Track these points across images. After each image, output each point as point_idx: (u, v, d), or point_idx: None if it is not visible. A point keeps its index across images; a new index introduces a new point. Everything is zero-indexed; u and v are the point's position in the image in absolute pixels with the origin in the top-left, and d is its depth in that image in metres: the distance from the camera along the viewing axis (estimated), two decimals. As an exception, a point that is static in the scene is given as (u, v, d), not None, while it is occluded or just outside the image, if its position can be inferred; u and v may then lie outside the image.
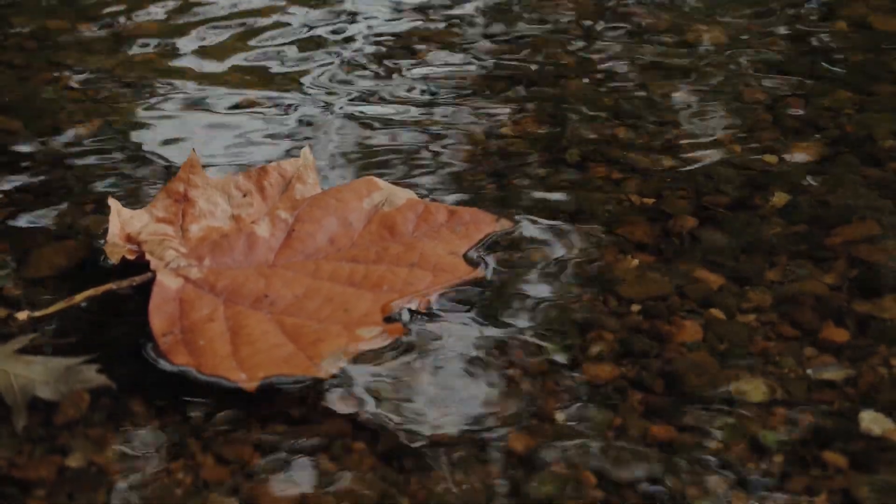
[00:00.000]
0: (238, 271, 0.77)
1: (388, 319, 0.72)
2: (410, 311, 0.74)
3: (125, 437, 0.64)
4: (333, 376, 0.68)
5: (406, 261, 0.77)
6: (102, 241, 0.82)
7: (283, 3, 1.31)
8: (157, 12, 1.30)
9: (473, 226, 0.82)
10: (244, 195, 0.84)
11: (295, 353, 0.69)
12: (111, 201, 0.82)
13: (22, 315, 0.75)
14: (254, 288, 0.75)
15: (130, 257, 0.78)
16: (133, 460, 0.62)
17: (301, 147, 0.88)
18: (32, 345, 0.71)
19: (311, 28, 1.24)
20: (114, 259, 0.78)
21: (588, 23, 1.24)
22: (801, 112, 1.00)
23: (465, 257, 0.79)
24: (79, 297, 0.75)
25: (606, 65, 1.12)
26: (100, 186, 0.90)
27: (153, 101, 1.07)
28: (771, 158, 0.91)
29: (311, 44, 1.20)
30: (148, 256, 0.77)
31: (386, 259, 0.78)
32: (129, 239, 0.80)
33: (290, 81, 1.10)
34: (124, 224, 0.81)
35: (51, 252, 0.81)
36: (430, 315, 0.74)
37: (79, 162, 0.94)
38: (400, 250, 0.78)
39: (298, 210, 0.81)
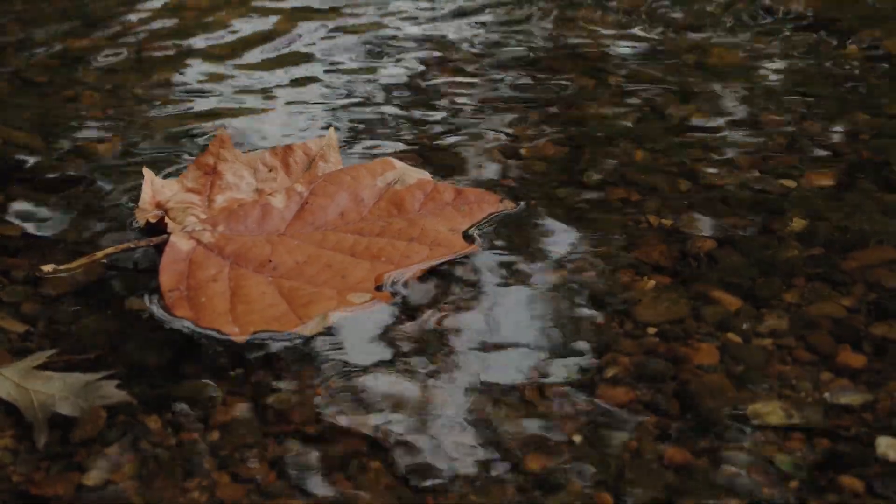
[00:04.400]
0: (248, 237, 0.81)
1: (380, 288, 0.77)
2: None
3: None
4: (318, 335, 0.73)
5: (407, 235, 0.82)
6: (133, 206, 0.88)
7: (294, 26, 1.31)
8: (176, 32, 1.31)
9: (477, 205, 0.86)
10: (269, 170, 0.89)
11: (286, 313, 0.74)
12: (145, 170, 0.88)
13: (47, 268, 0.80)
14: (259, 253, 0.80)
15: (153, 221, 0.84)
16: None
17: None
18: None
19: (333, 60, 1.25)
20: (140, 222, 0.85)
21: (607, 45, 1.24)
22: (818, 136, 1.00)
23: (465, 234, 0.83)
24: (100, 254, 0.81)
25: (625, 87, 1.12)
26: (118, 203, 0.91)
27: (172, 118, 1.07)
28: (789, 182, 0.91)
29: (337, 77, 1.20)
30: (167, 220, 0.83)
31: (389, 233, 0.82)
32: (159, 206, 0.86)
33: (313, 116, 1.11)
34: (156, 192, 0.87)
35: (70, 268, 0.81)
36: (446, 333, 0.74)
37: (98, 179, 0.95)
38: (403, 225, 0.83)
39: (314, 184, 0.85)
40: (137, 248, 0.82)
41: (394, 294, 0.77)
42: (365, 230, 0.82)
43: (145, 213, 0.85)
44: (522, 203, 0.88)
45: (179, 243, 0.80)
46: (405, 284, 0.78)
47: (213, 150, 0.89)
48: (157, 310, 0.76)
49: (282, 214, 0.84)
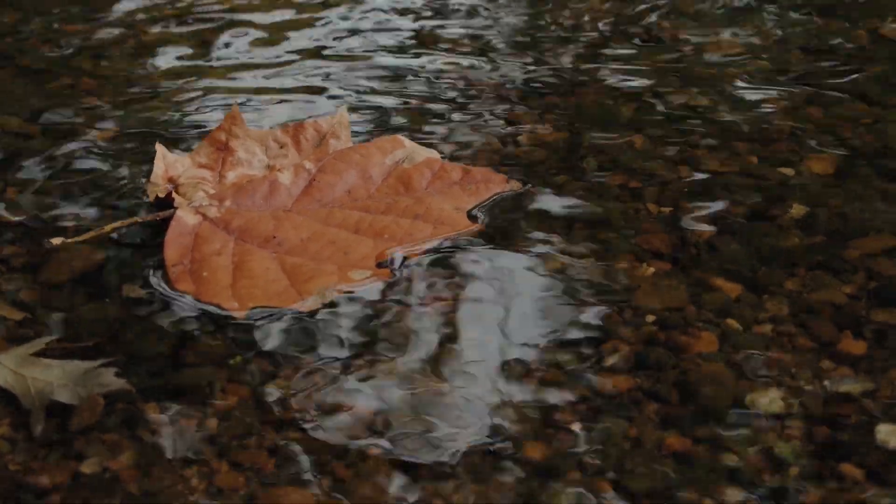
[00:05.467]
0: (254, 213, 0.82)
1: (382, 265, 0.78)
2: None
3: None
4: (315, 311, 0.73)
5: (412, 213, 0.82)
6: (145, 181, 0.88)
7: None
8: (175, 18, 1.30)
9: (484, 185, 0.87)
10: (280, 147, 0.89)
11: (287, 289, 0.74)
12: (158, 146, 0.89)
13: (57, 240, 0.81)
14: (265, 229, 0.80)
15: (161, 195, 0.85)
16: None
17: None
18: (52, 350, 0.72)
19: (327, 45, 1.25)
20: (150, 196, 0.86)
21: (606, 32, 1.24)
22: (818, 123, 0.99)
23: (470, 214, 0.84)
24: (108, 228, 0.82)
25: (624, 73, 1.12)
26: (116, 190, 0.90)
27: (169, 106, 1.07)
28: (788, 170, 0.91)
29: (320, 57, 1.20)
30: (174, 195, 0.84)
31: (394, 210, 0.83)
32: (171, 181, 0.87)
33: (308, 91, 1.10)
34: (168, 167, 0.88)
35: (68, 256, 0.81)
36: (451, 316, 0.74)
37: (96, 166, 0.95)
38: (409, 203, 0.83)
39: (323, 161, 0.86)
40: (145, 222, 0.83)
41: (394, 271, 0.77)
42: (371, 207, 0.83)
43: (156, 187, 0.86)
44: (529, 184, 0.88)
45: (185, 217, 0.81)
46: (407, 262, 0.79)
47: (226, 127, 0.90)
48: (159, 285, 0.76)
49: (289, 191, 0.84)
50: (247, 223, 0.81)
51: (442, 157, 0.90)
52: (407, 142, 0.89)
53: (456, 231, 0.81)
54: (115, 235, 0.82)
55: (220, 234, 0.80)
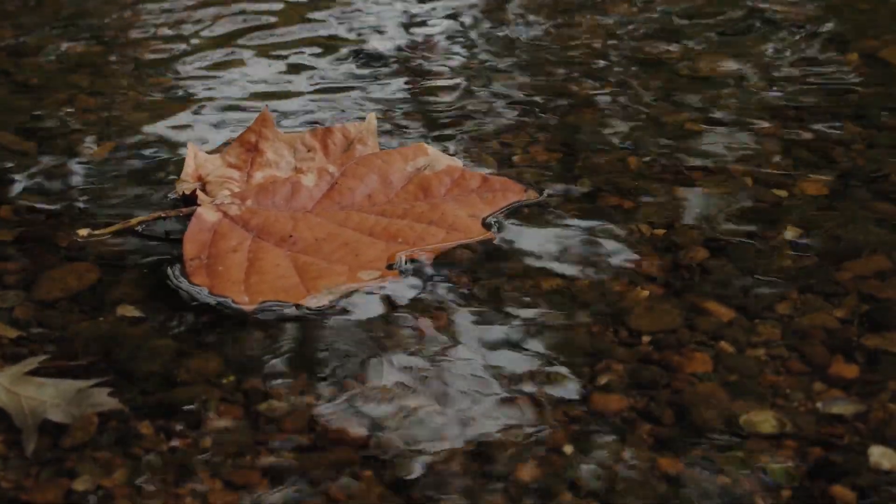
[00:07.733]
0: (273, 212, 0.84)
1: (391, 267, 0.79)
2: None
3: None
4: (320, 308, 0.75)
5: (426, 218, 0.84)
6: (175, 177, 0.91)
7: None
8: (170, 36, 1.31)
9: (501, 193, 0.88)
10: (309, 150, 0.91)
11: (296, 285, 0.77)
12: (189, 145, 0.92)
13: (83, 232, 0.84)
14: (282, 228, 0.83)
15: (187, 192, 0.87)
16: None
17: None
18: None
19: (317, 73, 1.25)
20: (178, 193, 0.88)
21: (601, 52, 1.24)
22: (812, 145, 1.00)
23: (484, 221, 0.85)
24: (134, 221, 0.86)
25: (619, 94, 1.12)
26: (112, 207, 0.91)
27: (167, 123, 1.07)
28: (781, 192, 0.91)
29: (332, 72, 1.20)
30: (198, 192, 0.86)
31: (410, 215, 0.84)
32: (200, 179, 0.89)
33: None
34: (199, 166, 0.90)
35: (62, 274, 0.81)
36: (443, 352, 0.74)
37: (91, 183, 0.95)
38: (425, 209, 0.85)
39: (346, 166, 0.88)
40: (169, 217, 0.86)
41: (402, 273, 0.79)
42: (388, 212, 0.85)
43: (185, 184, 0.88)
44: (547, 192, 0.90)
45: (206, 214, 0.83)
46: (415, 266, 0.80)
47: (256, 128, 0.92)
48: (177, 279, 0.79)
49: (311, 193, 0.86)
50: (265, 222, 0.83)
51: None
52: (431, 149, 0.90)
53: (469, 238, 0.83)
54: (140, 229, 0.85)
55: (238, 231, 0.82)
